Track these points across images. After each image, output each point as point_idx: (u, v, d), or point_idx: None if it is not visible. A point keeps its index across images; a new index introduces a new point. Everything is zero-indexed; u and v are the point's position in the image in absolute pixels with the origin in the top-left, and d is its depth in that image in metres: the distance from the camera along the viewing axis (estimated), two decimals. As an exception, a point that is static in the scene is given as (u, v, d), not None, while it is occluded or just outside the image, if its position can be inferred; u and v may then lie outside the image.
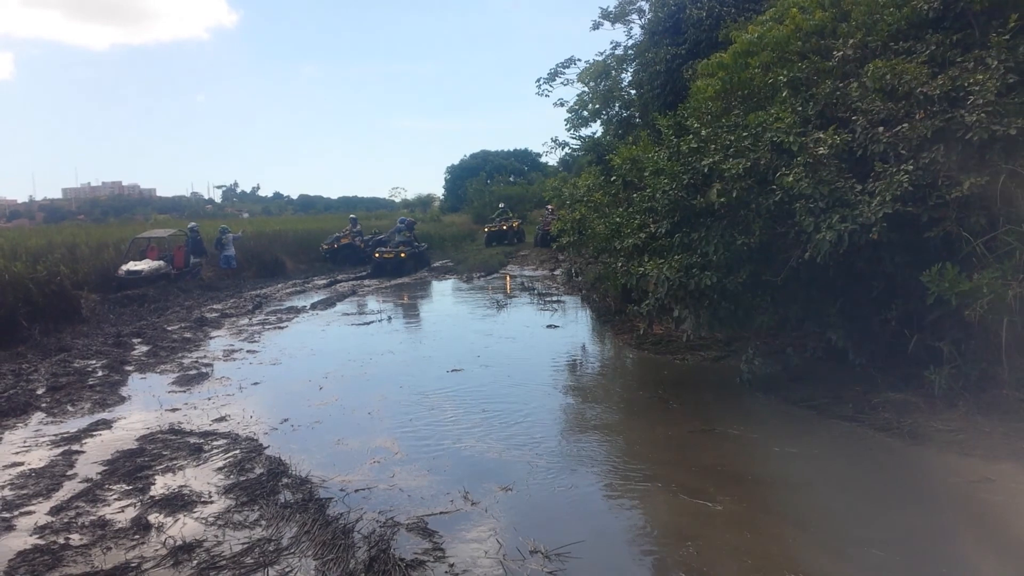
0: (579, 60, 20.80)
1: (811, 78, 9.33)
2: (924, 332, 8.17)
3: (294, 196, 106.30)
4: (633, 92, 19.04)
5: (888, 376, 8.57)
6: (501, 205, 43.39)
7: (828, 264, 8.13)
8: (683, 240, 9.37)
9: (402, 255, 28.85)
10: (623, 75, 19.71)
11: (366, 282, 26.25)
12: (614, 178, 13.06)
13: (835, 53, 9.33)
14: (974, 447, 6.98)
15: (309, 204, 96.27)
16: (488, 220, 42.49)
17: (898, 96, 8.24)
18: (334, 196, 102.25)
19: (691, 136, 9.74)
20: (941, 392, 7.78)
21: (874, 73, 8.41)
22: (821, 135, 8.42)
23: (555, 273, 26.03)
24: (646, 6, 18.95)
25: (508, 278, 26.24)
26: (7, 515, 6.42)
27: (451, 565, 5.32)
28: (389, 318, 17.36)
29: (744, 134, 9.00)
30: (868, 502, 6.17)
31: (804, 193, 8.06)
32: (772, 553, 5.35)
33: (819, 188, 8.02)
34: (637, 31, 19.40)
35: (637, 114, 18.76)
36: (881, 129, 8.13)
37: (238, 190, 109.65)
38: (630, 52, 19.24)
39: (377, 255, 29.23)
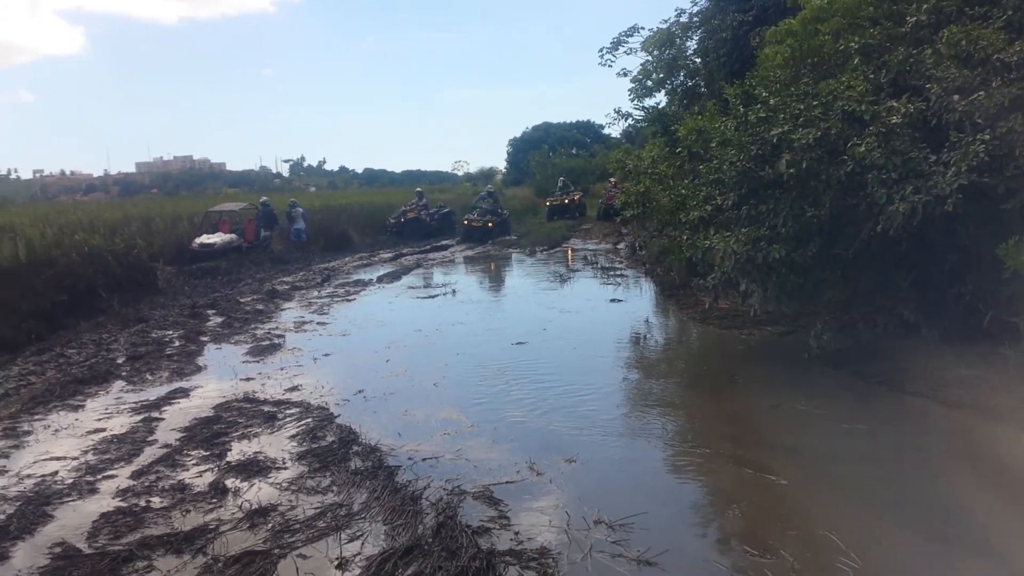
0: (643, 28, 20.37)
1: (883, 45, 9.07)
2: (999, 307, 7.93)
3: (359, 170, 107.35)
4: (698, 61, 18.68)
5: (961, 352, 8.36)
6: (561, 180, 42.88)
7: (900, 237, 7.94)
8: (750, 212, 9.23)
9: (489, 224, 31.73)
10: (688, 43, 19.30)
11: (431, 255, 26.49)
12: (679, 149, 12.91)
13: (908, 19, 9.05)
14: (1052, 425, 6.79)
15: (374, 178, 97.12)
16: (550, 194, 42.03)
17: (974, 63, 7.97)
18: (398, 170, 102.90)
19: (759, 106, 9.56)
20: (1016, 369, 7.56)
21: (949, 39, 8.14)
22: (894, 104, 8.20)
23: (618, 247, 25.88)
24: (712, -29, 18.53)
25: (571, 252, 26.21)
26: (91, 479, 6.73)
27: (516, 533, 5.42)
28: (454, 291, 17.51)
29: (814, 103, 8.81)
30: (938, 479, 6.06)
31: (876, 163, 7.86)
32: (836, 528, 5.31)
33: (892, 158, 7.82)
34: (703, -3, 19.00)
35: (703, 83, 18.41)
36: (956, 97, 7.87)
37: (305, 164, 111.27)
38: (695, 19, 18.85)
39: (466, 222, 32.12)
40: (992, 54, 7.75)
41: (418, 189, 38.33)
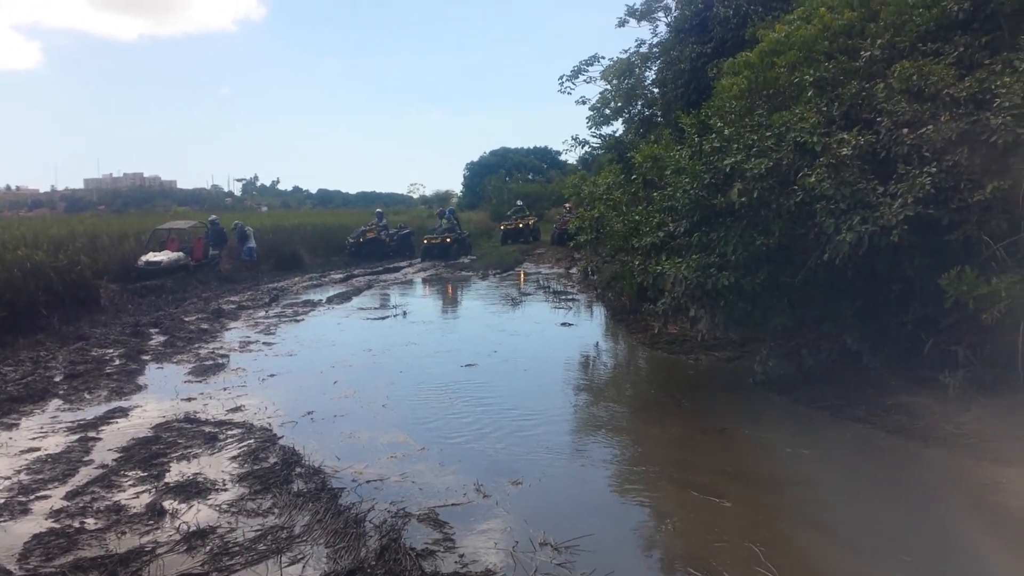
0: (603, 57, 20.68)
1: (837, 78, 9.26)
2: (940, 336, 8.10)
3: (313, 190, 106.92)
4: (656, 91, 18.94)
5: (902, 379, 8.51)
6: (519, 203, 43.00)
7: (847, 266, 8.07)
8: (702, 240, 9.32)
9: (448, 240, 32.88)
10: (647, 73, 19.60)
11: (383, 276, 26.34)
12: (634, 176, 13.04)
13: (862, 53, 9.26)
14: (987, 451, 6.91)
15: (328, 198, 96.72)
16: (504, 218, 42.13)
17: (924, 98, 8.17)
18: (352, 191, 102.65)
19: (714, 135, 9.69)
20: (955, 395, 7.71)
21: (901, 74, 8.34)
22: (845, 136, 8.36)
23: (571, 271, 26.00)
24: (672, 4, 18.83)
25: (524, 275, 26.24)
26: (23, 499, 6.49)
27: (461, 556, 5.34)
28: (405, 313, 17.40)
29: (767, 134, 8.95)
30: (878, 503, 6.13)
31: (826, 194, 7.99)
32: (780, 550, 5.33)
33: (841, 189, 7.95)
34: (662, 29, 19.30)
35: (659, 113, 18.65)
36: (906, 131, 8.05)
37: (258, 183, 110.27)
38: (655, 50, 19.16)
39: (426, 241, 33.23)
40: (942, 89, 7.95)
41: (378, 210, 38.31)
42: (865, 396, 8.55)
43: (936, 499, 6.21)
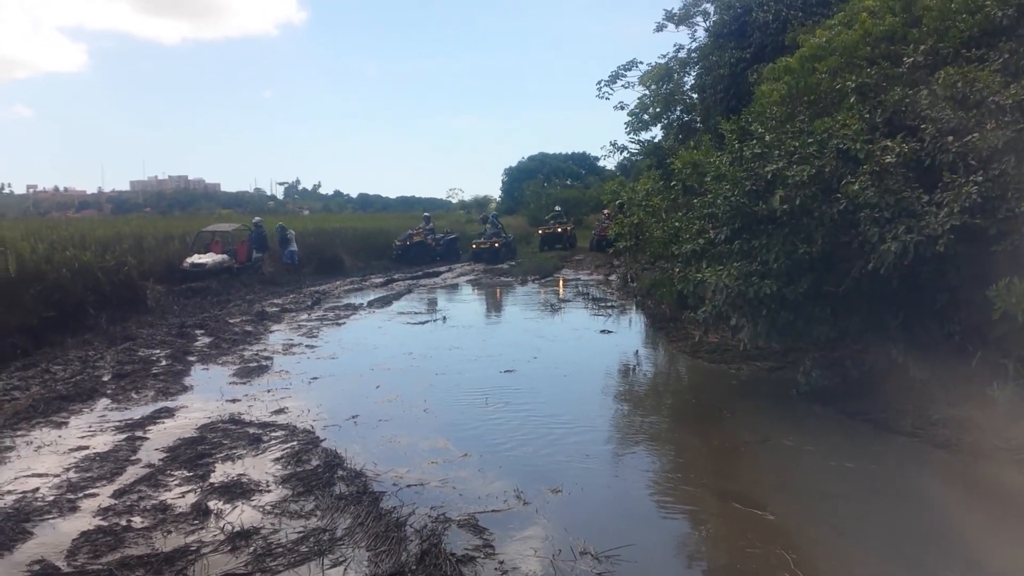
0: (641, 63, 20.61)
1: (880, 84, 9.15)
2: (988, 348, 7.95)
3: (353, 195, 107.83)
4: (695, 96, 18.86)
5: (949, 392, 8.36)
6: (557, 208, 42.88)
7: (891, 276, 7.96)
8: (743, 247, 9.26)
9: (496, 244, 34.43)
10: (686, 79, 19.52)
11: (422, 281, 26.51)
12: (674, 183, 12.98)
13: (905, 59, 9.14)
14: (1037, 466, 6.79)
15: (368, 203, 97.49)
16: (542, 222, 42.03)
17: (969, 105, 8.04)
18: (392, 196, 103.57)
19: (754, 141, 9.62)
20: (1004, 409, 7.56)
21: (945, 80, 8.23)
22: (889, 143, 8.26)
23: (610, 278, 25.94)
24: (711, 8, 18.72)
25: (563, 282, 26.24)
26: (72, 496, 6.64)
27: (501, 562, 5.36)
28: (444, 318, 17.49)
29: (809, 140, 8.87)
30: (923, 519, 6.05)
31: (869, 202, 7.90)
32: (822, 565, 5.29)
33: (885, 197, 7.85)
34: (701, 34, 19.20)
35: (699, 119, 18.56)
36: (951, 138, 7.93)
37: (299, 187, 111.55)
38: (693, 55, 19.06)
39: (475, 246, 34.80)
40: (987, 96, 7.82)
41: (426, 214, 38.68)
42: (910, 409, 8.41)
43: (983, 515, 6.10)
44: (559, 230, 39.05)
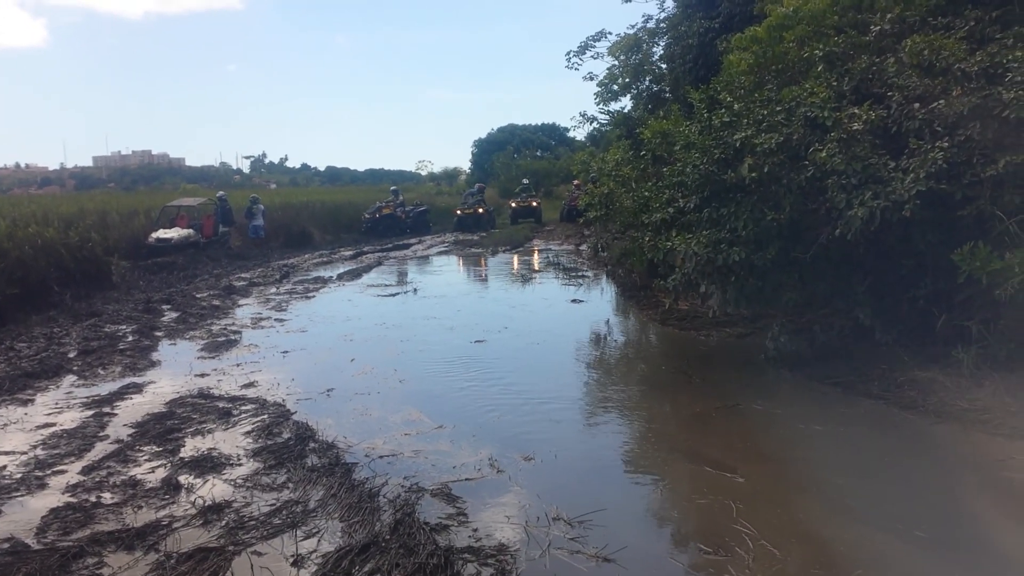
0: (610, 33, 20.49)
1: (847, 53, 9.19)
2: (953, 311, 8.08)
3: (321, 168, 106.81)
4: (664, 66, 18.80)
5: (915, 355, 8.50)
6: (525, 181, 42.78)
7: (858, 241, 8.05)
8: (712, 215, 9.30)
9: (479, 210, 35.60)
10: (655, 49, 19.43)
11: (392, 254, 26.38)
12: (643, 152, 12.98)
13: (872, 27, 9.18)
14: (1000, 426, 6.92)
15: (336, 176, 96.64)
16: (513, 195, 42.02)
17: (935, 72, 8.10)
18: (360, 168, 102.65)
19: (723, 110, 9.63)
20: (968, 371, 7.71)
21: (911, 48, 8.27)
22: (856, 111, 8.31)
23: (580, 248, 25.98)
24: (680, -22, 18.64)
25: (533, 253, 26.23)
26: (40, 474, 6.56)
27: (475, 530, 5.38)
28: (415, 290, 17.44)
29: (777, 108, 8.89)
30: (891, 479, 6.15)
31: (837, 169, 7.96)
32: (792, 525, 5.37)
33: (852, 164, 7.92)
34: (670, 4, 19.08)
35: (668, 89, 18.52)
36: (917, 105, 8.00)
37: (266, 161, 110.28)
38: (662, 25, 18.98)
39: (459, 212, 35.79)
40: (953, 64, 7.88)
41: (393, 187, 38.40)
42: (877, 372, 8.54)
43: (949, 475, 6.23)
44: (534, 204, 39.11)
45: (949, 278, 7.69)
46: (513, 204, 39.89)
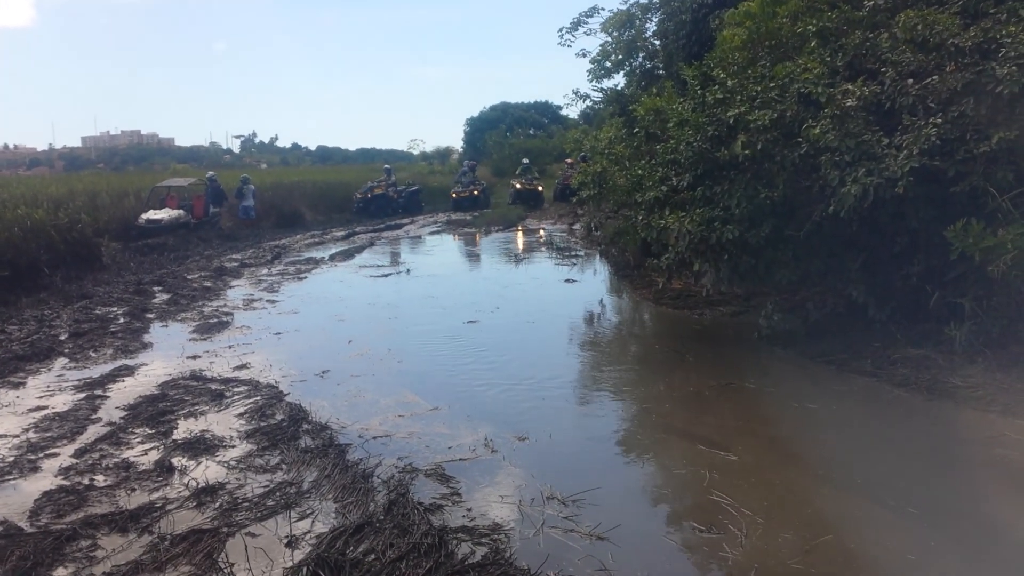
0: (603, 9, 20.25)
1: (840, 28, 9.12)
2: (946, 288, 8.09)
3: (312, 147, 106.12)
4: (657, 43, 18.67)
5: (908, 332, 8.51)
6: (525, 161, 39.81)
7: (852, 219, 8.04)
8: (705, 193, 9.27)
9: (475, 192, 35.63)
10: (648, 25, 19.28)
11: (384, 234, 26.30)
12: (637, 130, 12.90)
13: (866, 2, 9.10)
14: (992, 403, 6.95)
15: (327, 155, 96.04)
16: (517, 175, 38.13)
17: (929, 48, 8.06)
18: (352, 148, 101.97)
19: (716, 87, 9.57)
20: (961, 348, 7.72)
21: (905, 23, 8.22)
22: (849, 87, 8.27)
23: (574, 227, 25.93)
24: (672, -46, 18.47)
25: (525, 232, 26.18)
26: (32, 457, 6.52)
27: (469, 509, 5.38)
28: (408, 270, 17.40)
29: (771, 85, 8.84)
30: (885, 456, 6.18)
31: (830, 146, 7.93)
32: (786, 502, 5.38)
33: (846, 141, 7.88)
34: (664, -22, 18.96)
35: (661, 65, 18.40)
36: (911, 81, 7.96)
37: (256, 140, 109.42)
38: (655, 1, 18.85)
39: (454, 195, 35.89)
40: (947, 39, 7.83)
41: (386, 166, 38.05)
42: (871, 350, 8.56)
43: (942, 451, 6.26)
44: (539, 188, 36.15)
45: (942, 255, 7.70)
46: (517, 185, 36.42)
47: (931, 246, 8.08)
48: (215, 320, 11.98)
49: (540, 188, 36.56)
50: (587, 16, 20.42)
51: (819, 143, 8.01)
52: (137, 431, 7.11)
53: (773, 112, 8.55)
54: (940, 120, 7.46)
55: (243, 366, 9.27)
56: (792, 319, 9.75)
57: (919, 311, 8.46)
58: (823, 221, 8.34)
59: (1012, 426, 6.50)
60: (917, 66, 8.01)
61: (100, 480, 6.02)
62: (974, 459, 6.05)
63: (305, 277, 16.65)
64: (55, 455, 6.57)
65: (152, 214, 22.29)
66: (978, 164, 7.42)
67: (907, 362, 8.06)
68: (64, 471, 6.20)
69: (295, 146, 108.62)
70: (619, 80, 20.78)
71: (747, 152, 8.61)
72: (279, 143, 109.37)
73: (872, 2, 9.01)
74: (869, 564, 4.64)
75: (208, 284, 15.56)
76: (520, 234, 25.63)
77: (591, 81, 20.51)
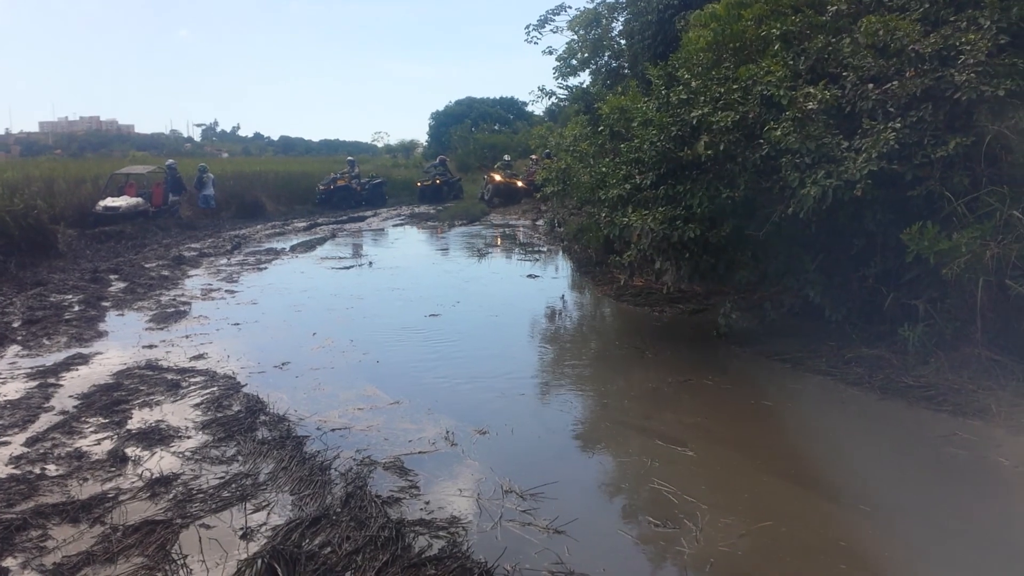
0: (570, 7, 20.36)
1: (804, 32, 9.24)
2: (901, 290, 8.25)
3: (275, 137, 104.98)
4: (623, 42, 18.77)
5: (863, 333, 8.66)
6: (506, 157, 37.69)
7: (810, 220, 8.16)
8: (668, 192, 9.34)
9: (438, 181, 36.05)
10: (614, 24, 19.38)
11: (347, 226, 26.13)
12: (601, 128, 12.96)
13: (829, 7, 9.23)
14: (943, 402, 7.09)
15: (290, 146, 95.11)
16: (496, 168, 35.71)
17: (889, 53, 8.19)
18: (315, 139, 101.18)
19: (681, 87, 9.65)
20: (914, 349, 7.87)
21: (867, 28, 8.34)
22: (811, 90, 8.38)
23: (537, 223, 25.97)
24: (639, -46, 18.56)
25: (489, 227, 26.16)
26: (-18, 445, 6.40)
27: (427, 502, 5.38)
28: (370, 263, 17.30)
29: (734, 87, 8.94)
30: (836, 452, 6.28)
31: (791, 148, 8.04)
32: (740, 496, 5.45)
33: (806, 143, 8.00)
34: (630, -22, 19.04)
35: (627, 64, 18.50)
36: (871, 86, 8.10)
37: (218, 129, 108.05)
38: (622, 1, 18.94)
39: (419, 184, 36.41)
40: (907, 45, 7.96)
41: (350, 158, 37.84)
42: (826, 349, 8.70)
43: (894, 450, 6.38)
44: (519, 184, 33.31)
45: (898, 258, 7.84)
46: (497, 177, 33.85)
47: (887, 248, 8.23)
48: (172, 309, 11.82)
49: (520, 184, 33.64)
50: (554, 14, 20.48)
51: (780, 145, 8.12)
52: (90, 420, 7.00)
53: (736, 114, 8.64)
54: (899, 125, 7.59)
55: (200, 356, 9.16)
56: (750, 318, 9.89)
57: (874, 312, 8.61)
58: (782, 222, 8.45)
59: (963, 426, 6.64)
60: (878, 71, 8.15)
61: (52, 469, 5.92)
62: (925, 457, 6.17)
63: (265, 268, 16.50)
64: (6, 443, 6.45)
65: (110, 201, 21.92)
66: (935, 169, 7.57)
67: (861, 361, 8.20)
68: (15, 460, 6.08)
69: (257, 136, 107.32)
70: (585, 78, 20.87)
71: (709, 152, 8.70)
72: (241, 132, 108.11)
73: (835, 7, 9.14)
74: (802, 552, 4.71)
75: (166, 273, 15.36)
76: (483, 228, 25.59)
77: (557, 78, 20.60)
